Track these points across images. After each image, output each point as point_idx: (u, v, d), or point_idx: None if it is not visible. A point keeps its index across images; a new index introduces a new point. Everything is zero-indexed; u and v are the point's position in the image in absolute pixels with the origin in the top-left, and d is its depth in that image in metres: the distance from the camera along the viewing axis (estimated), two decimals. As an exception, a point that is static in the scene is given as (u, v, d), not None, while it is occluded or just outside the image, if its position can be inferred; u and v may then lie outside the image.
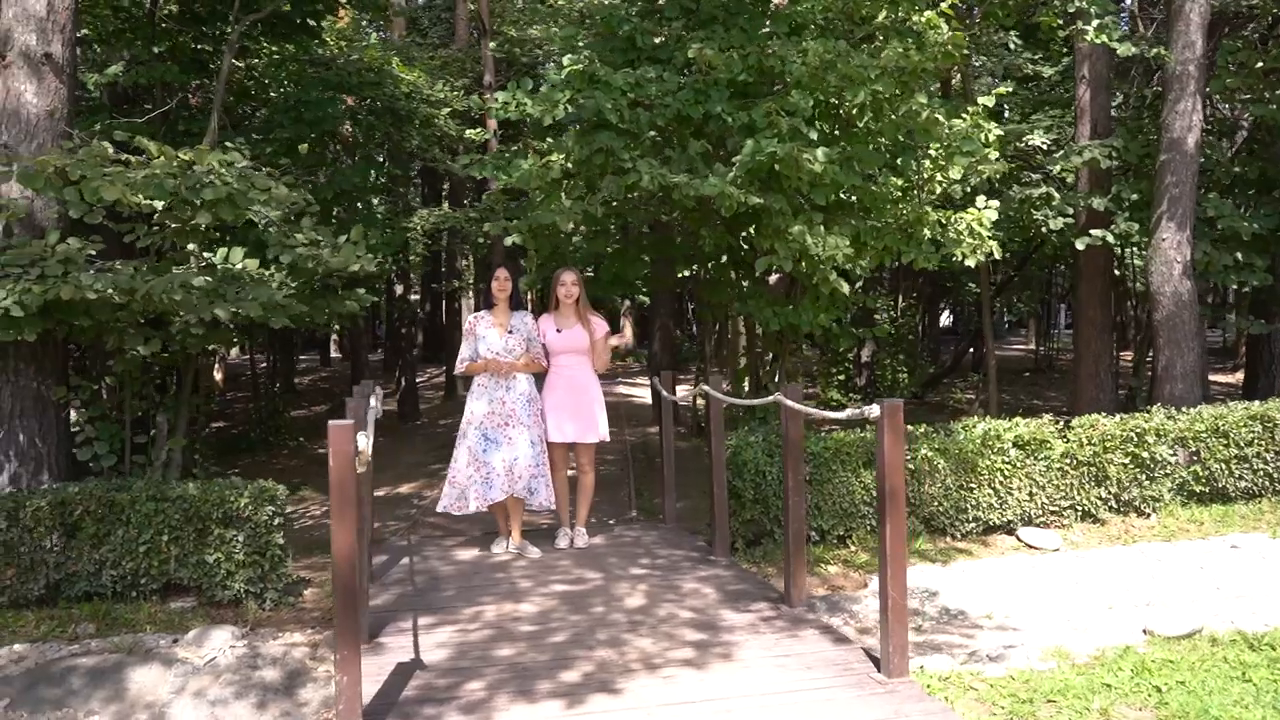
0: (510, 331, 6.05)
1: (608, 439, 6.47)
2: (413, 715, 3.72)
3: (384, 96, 11.44)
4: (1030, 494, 6.89)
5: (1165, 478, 7.18)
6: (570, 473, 6.44)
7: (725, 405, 6.22)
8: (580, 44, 7.66)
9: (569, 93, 6.91)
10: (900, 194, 7.43)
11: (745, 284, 8.02)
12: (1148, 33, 10.38)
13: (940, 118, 6.86)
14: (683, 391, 10.34)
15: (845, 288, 6.95)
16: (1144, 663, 4.66)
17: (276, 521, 5.48)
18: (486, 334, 6.04)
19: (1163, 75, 9.03)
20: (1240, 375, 16.13)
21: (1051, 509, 6.96)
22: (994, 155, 7.37)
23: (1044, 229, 9.78)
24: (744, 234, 7.69)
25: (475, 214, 12.62)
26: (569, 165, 7.04)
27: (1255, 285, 9.25)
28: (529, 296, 11.27)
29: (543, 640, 4.54)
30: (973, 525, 6.81)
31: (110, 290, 5.61)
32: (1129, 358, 14.64)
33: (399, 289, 16.83)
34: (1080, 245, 9.21)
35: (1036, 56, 12.90)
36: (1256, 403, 7.56)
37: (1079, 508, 7.01)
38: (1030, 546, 6.71)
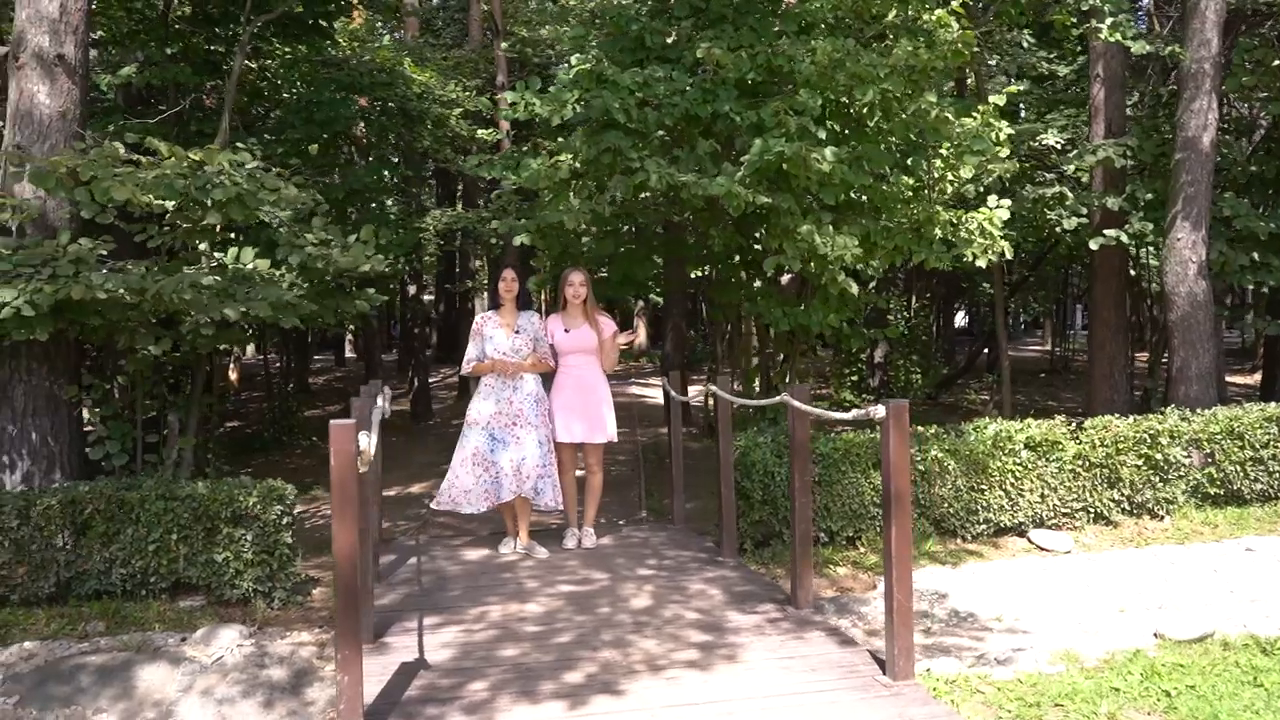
0: (517, 331, 6.05)
1: (616, 439, 6.46)
2: (415, 715, 3.72)
3: (395, 97, 11.47)
4: (1042, 496, 6.84)
5: (1179, 480, 7.12)
6: (579, 473, 6.43)
7: (733, 406, 6.19)
8: (590, 44, 7.65)
9: (577, 92, 6.91)
10: (911, 194, 7.39)
11: (756, 284, 7.99)
12: (1163, 31, 10.29)
13: (950, 116, 6.82)
14: (695, 392, 10.33)
15: (854, 288, 6.92)
16: (1154, 666, 4.62)
17: (285, 521, 5.50)
18: (494, 334, 6.04)
19: (1178, 74, 8.95)
20: (1258, 377, 15.98)
21: (1063, 511, 6.90)
22: (1004, 154, 7.31)
23: (1058, 229, 9.71)
24: (755, 234, 7.67)
25: (487, 214, 12.64)
26: (577, 165, 7.03)
27: (1273, 285, 9.15)
28: (542, 297, 11.29)
29: (547, 641, 4.54)
30: (983, 527, 6.76)
31: (121, 290, 5.65)
32: (1145, 359, 14.53)
33: (412, 289, 16.85)
34: (1094, 245, 9.14)
35: (1051, 56, 12.82)
36: (1273, 404, 7.49)
37: (1091, 510, 6.95)
38: (1041, 549, 6.66)
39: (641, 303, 23.53)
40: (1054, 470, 6.84)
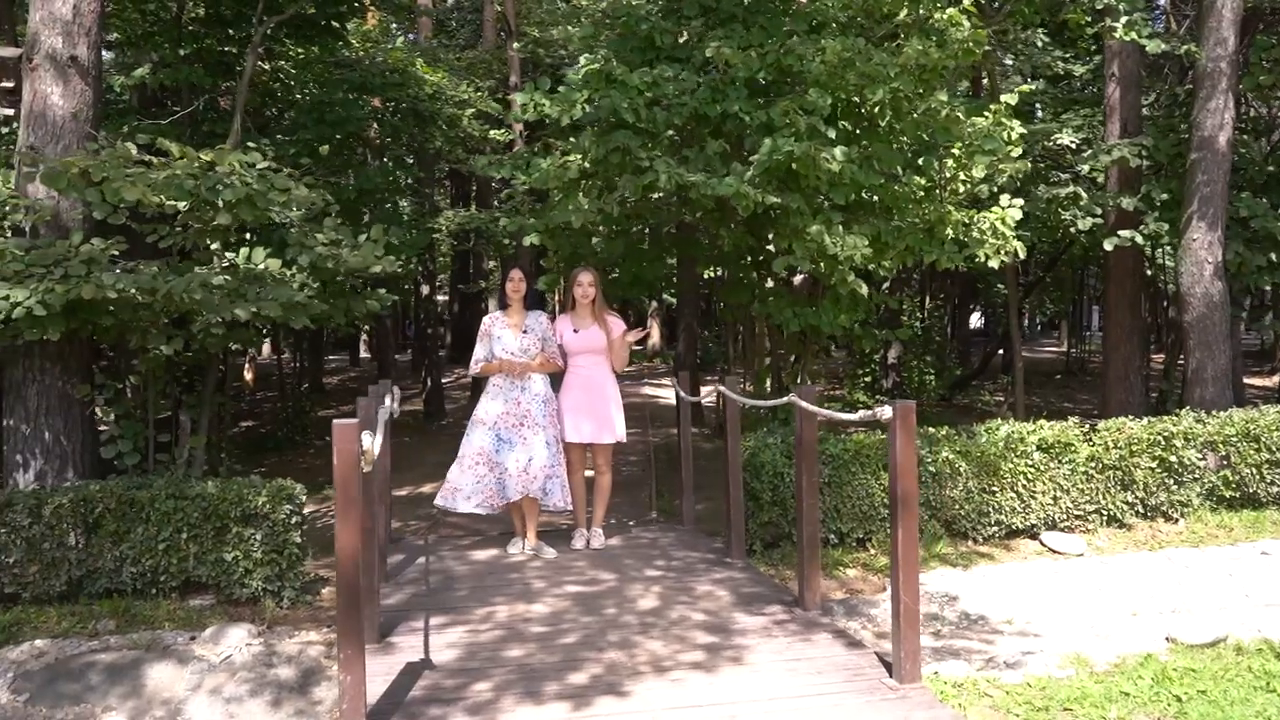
0: (525, 331, 6.05)
1: (625, 440, 6.45)
2: (418, 716, 3.72)
3: (408, 98, 11.50)
4: (1054, 498, 6.78)
5: (1194, 482, 7.05)
6: (588, 474, 6.42)
7: (742, 406, 6.17)
8: (599, 43, 7.65)
9: (586, 93, 6.90)
10: (923, 193, 7.35)
11: (768, 284, 7.97)
12: (1179, 29, 10.20)
13: (960, 116, 6.77)
14: (708, 392, 10.30)
15: (864, 289, 6.88)
16: (1165, 671, 4.57)
17: (294, 520, 5.52)
18: (501, 334, 6.04)
19: (1194, 73, 8.87)
20: (1278, 379, 15.83)
21: (1076, 513, 6.85)
22: (1017, 154, 7.26)
23: (1072, 229, 9.63)
24: (765, 235, 7.64)
25: (499, 214, 12.66)
26: (586, 165, 7.03)
27: (1290, 286, 9.07)
28: (555, 298, 11.29)
29: (553, 642, 4.53)
30: (995, 529, 6.72)
31: (132, 290, 5.68)
32: (1161, 360, 14.41)
33: (425, 289, 16.91)
34: (1108, 246, 9.06)
35: (1067, 55, 12.73)
36: (1289, 406, 7.41)
37: (1104, 512, 6.89)
38: (1054, 551, 6.60)
39: (655, 303, 23.52)
40: (1066, 472, 6.78)
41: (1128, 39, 8.11)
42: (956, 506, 6.63)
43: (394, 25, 18.00)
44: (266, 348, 19.97)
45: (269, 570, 5.50)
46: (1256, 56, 9.50)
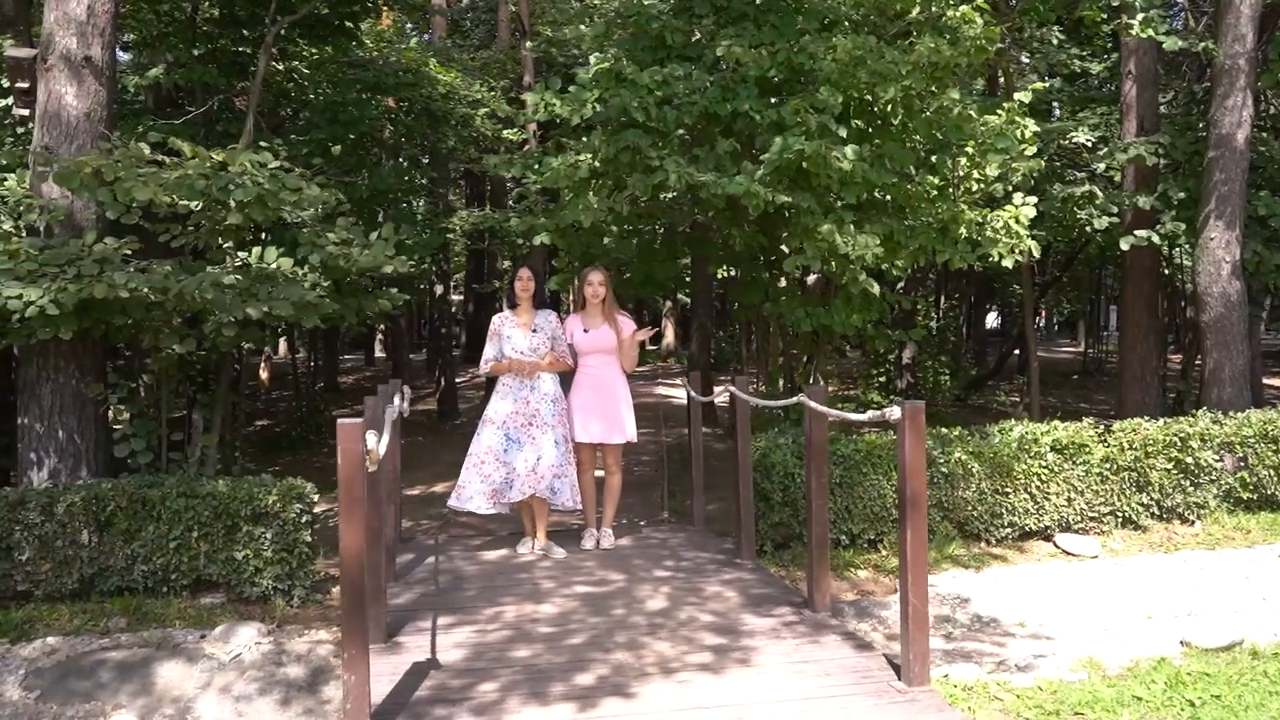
0: (534, 331, 6.04)
1: (635, 440, 6.43)
2: (423, 716, 3.71)
3: (421, 98, 11.51)
4: (1068, 499, 6.73)
5: (1210, 484, 6.97)
6: (598, 473, 6.41)
7: (752, 406, 6.14)
8: (611, 42, 7.63)
9: (597, 92, 6.89)
10: (936, 192, 7.29)
11: (781, 284, 7.93)
12: (1197, 26, 10.10)
13: (973, 114, 6.72)
14: (720, 392, 10.27)
15: (876, 288, 6.84)
16: (1179, 675, 4.52)
17: (305, 519, 5.53)
18: (511, 334, 6.04)
19: (1212, 70, 8.78)
20: (1297, 379, 15.64)
21: (1090, 515, 6.79)
22: (1030, 152, 7.20)
23: (1088, 228, 9.55)
24: (777, 234, 7.60)
25: (511, 214, 12.66)
26: (596, 164, 7.01)
27: (1310, 286, 8.96)
28: (568, 297, 11.29)
29: (560, 642, 4.52)
30: (1008, 531, 6.66)
31: (144, 289, 5.70)
32: (1179, 361, 14.27)
33: (439, 289, 16.94)
34: (1125, 245, 8.98)
35: (1084, 53, 12.62)
36: (1308, 407, 7.32)
37: (1119, 514, 6.83)
38: (1068, 553, 6.55)
39: (669, 303, 23.50)
40: (1081, 473, 6.72)
41: (1144, 36, 8.03)
42: (969, 508, 6.58)
43: (409, 25, 18.06)
44: (283, 347, 20.08)
45: (279, 569, 5.51)
46: (1275, 53, 9.38)
